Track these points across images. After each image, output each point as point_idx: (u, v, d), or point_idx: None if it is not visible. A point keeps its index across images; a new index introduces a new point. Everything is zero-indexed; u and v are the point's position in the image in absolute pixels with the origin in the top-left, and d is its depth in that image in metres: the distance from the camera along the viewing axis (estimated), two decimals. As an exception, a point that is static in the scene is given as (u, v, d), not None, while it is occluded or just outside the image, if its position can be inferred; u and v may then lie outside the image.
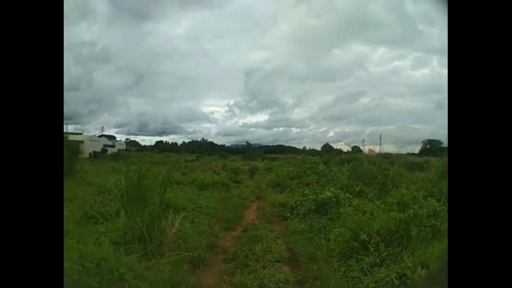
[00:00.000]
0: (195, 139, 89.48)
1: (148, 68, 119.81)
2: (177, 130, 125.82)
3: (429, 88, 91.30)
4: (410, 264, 4.84)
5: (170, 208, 7.97)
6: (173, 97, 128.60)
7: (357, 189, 11.03)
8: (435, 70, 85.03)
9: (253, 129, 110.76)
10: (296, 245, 7.14)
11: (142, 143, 78.60)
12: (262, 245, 7.00)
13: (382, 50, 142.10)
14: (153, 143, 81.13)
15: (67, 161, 15.80)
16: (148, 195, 7.06)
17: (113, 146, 60.03)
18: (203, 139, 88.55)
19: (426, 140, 67.01)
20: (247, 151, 72.80)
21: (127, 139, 77.49)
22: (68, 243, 5.83)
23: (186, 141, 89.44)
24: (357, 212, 8.04)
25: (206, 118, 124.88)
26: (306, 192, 11.45)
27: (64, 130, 23.88)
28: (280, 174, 20.85)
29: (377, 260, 5.41)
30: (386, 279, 4.80)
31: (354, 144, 45.08)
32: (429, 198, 8.09)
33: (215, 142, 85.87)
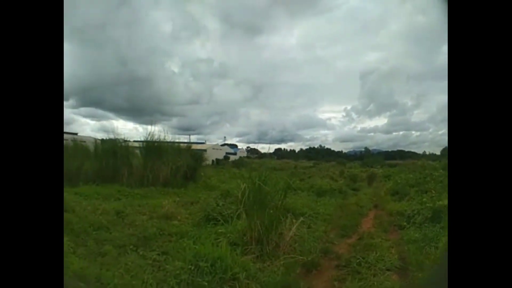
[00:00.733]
0: (312, 146, 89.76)
1: (266, 79, 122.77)
2: (295, 138, 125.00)
3: None
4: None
5: (288, 213, 8.17)
6: (290, 105, 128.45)
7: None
8: None
9: (372, 133, 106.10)
10: (408, 254, 6.97)
11: (262, 151, 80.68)
12: (376, 253, 6.88)
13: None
14: (272, 151, 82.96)
15: (191, 168, 16.80)
16: (268, 200, 7.36)
17: (235, 154, 62.61)
18: (320, 145, 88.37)
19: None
20: (366, 157, 70.10)
21: (247, 147, 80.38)
22: (185, 243, 6.67)
23: (304, 148, 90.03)
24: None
25: (323, 124, 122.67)
26: (424, 200, 11.06)
27: (188, 140, 25.35)
28: (399, 181, 20.37)
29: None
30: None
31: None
32: None
33: (332, 149, 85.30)
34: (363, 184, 26.43)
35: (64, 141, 17.52)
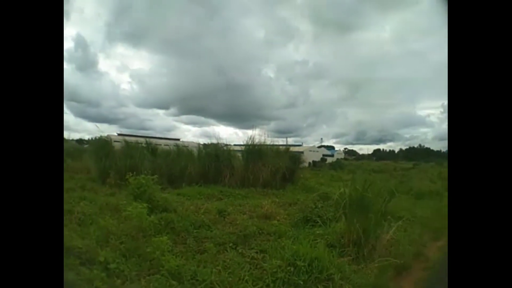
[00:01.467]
0: (412, 146, 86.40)
1: (361, 77, 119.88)
2: (395, 137, 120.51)
3: None
4: None
5: (388, 216, 7.89)
6: (389, 103, 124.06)
7: None
8: None
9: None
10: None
11: (360, 152, 79.09)
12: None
13: None
14: (370, 152, 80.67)
15: (289, 170, 16.94)
16: (369, 203, 7.26)
17: (332, 155, 61.77)
18: (420, 145, 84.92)
19: None
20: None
21: (345, 148, 79.04)
22: (283, 242, 6.74)
23: (403, 148, 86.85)
24: None
25: (422, 122, 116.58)
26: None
27: (285, 143, 25.57)
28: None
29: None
30: None
31: None
32: None
33: (431, 148, 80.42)
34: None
35: (168, 146, 18.42)
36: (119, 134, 23.00)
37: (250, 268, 5.69)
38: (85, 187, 13.30)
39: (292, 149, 22.99)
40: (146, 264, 5.65)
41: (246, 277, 5.25)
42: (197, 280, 5.14)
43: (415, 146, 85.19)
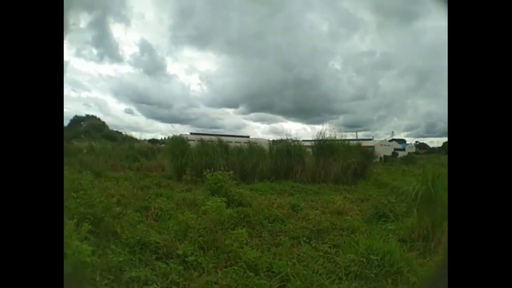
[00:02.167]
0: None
1: (428, 66, 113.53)
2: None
3: None
4: None
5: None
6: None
7: None
8: None
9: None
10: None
11: (431, 145, 75.47)
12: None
13: None
14: (440, 145, 77.20)
15: (361, 165, 16.75)
16: (438, 197, 7.14)
17: (403, 149, 59.50)
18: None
19: None
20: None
21: (416, 141, 75.72)
22: (356, 237, 6.93)
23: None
24: None
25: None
26: None
27: (355, 137, 25.18)
28: None
29: None
30: None
31: None
32: None
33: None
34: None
35: (238, 144, 18.84)
36: (191, 133, 23.79)
37: (324, 261, 5.85)
38: (160, 184, 13.93)
39: (364, 143, 22.65)
40: (223, 256, 5.95)
41: (321, 270, 5.42)
42: (273, 272, 5.37)
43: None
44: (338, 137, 18.37)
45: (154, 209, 8.73)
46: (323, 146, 17.74)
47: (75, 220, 5.12)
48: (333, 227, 8.10)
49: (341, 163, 16.48)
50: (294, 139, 19.20)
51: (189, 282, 5.05)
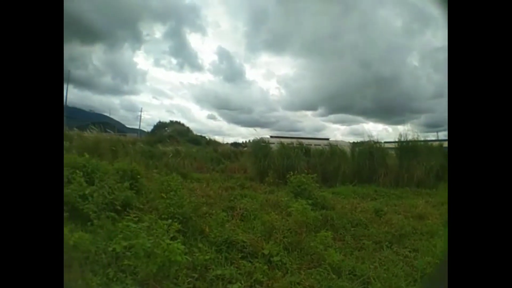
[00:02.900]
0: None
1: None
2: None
3: None
4: None
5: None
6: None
7: None
8: None
9: None
10: None
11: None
12: None
13: None
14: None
15: (443, 168, 16.20)
16: None
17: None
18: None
19: None
20: None
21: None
22: (435, 241, 7.12)
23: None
24: None
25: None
26: None
27: (436, 137, 24.22)
28: None
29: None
30: None
31: None
32: None
33: None
34: None
35: (318, 146, 18.84)
36: (271, 136, 24.21)
37: (403, 265, 6.04)
38: (244, 185, 14.20)
39: (445, 144, 21.85)
40: (307, 258, 6.21)
41: (400, 273, 5.64)
42: (355, 275, 5.60)
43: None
44: (420, 138, 18.02)
45: (240, 209, 9.02)
46: (406, 148, 17.36)
47: (170, 220, 5.61)
48: (414, 231, 8.17)
49: (424, 166, 16.07)
50: (376, 140, 18.67)
51: (272, 282, 5.25)
